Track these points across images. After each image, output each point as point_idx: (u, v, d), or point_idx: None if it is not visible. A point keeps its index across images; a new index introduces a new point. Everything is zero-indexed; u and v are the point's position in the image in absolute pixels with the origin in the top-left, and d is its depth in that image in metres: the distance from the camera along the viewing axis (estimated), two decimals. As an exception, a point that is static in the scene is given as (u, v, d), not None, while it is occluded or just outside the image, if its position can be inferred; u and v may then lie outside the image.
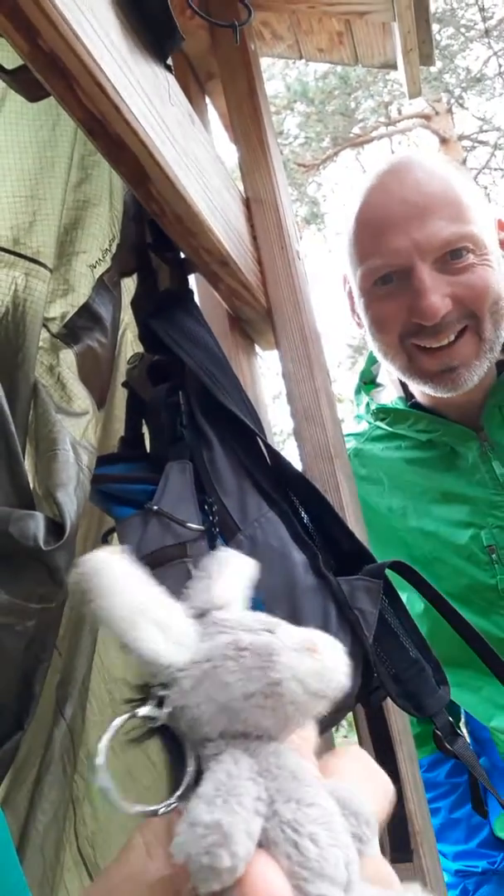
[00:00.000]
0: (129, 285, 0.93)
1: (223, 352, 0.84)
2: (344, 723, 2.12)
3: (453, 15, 9.44)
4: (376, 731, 0.80)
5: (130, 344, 0.97)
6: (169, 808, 0.28)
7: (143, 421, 0.85)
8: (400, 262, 1.00)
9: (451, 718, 0.79)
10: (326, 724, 0.70)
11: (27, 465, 0.65)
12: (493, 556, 1.08)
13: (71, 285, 0.77)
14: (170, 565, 0.66)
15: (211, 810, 0.23)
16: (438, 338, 1.00)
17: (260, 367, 1.10)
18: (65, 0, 0.52)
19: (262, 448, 0.78)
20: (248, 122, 1.10)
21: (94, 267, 0.80)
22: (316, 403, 0.94)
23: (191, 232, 0.81)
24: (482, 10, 9.16)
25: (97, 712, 0.94)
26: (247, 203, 1.05)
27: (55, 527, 0.58)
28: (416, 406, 1.17)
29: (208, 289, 0.97)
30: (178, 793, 0.28)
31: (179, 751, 0.29)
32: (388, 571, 0.74)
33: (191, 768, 0.28)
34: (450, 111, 9.60)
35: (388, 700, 0.73)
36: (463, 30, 9.50)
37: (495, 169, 10.32)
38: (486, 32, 9.14)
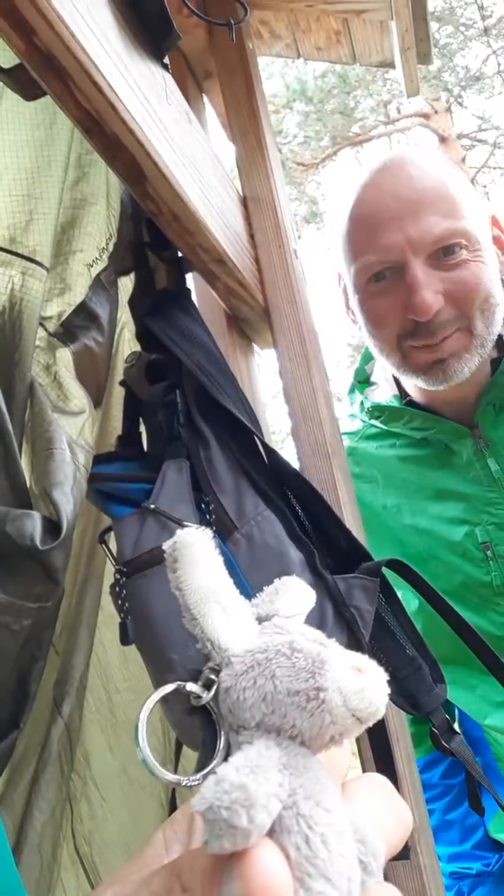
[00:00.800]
0: (126, 284, 0.93)
1: (220, 350, 0.84)
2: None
3: (452, 13, 9.44)
4: (373, 729, 0.80)
5: (128, 342, 0.97)
6: (192, 783, 0.28)
7: (141, 419, 0.85)
8: (393, 258, 1.00)
9: (447, 716, 0.79)
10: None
11: (24, 464, 0.65)
12: (488, 552, 1.08)
13: (68, 284, 0.77)
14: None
15: (240, 775, 0.23)
16: (434, 337, 1.00)
17: (258, 365, 1.10)
18: (61, -1, 0.52)
19: (260, 447, 0.78)
20: (245, 120, 1.10)
21: (92, 266, 0.80)
22: (314, 402, 0.94)
23: (188, 231, 0.81)
24: (481, 8, 9.16)
25: (95, 710, 0.95)
26: (244, 202, 1.05)
27: (52, 526, 0.58)
28: (411, 404, 1.17)
29: (206, 288, 0.97)
30: (206, 770, 0.29)
31: (213, 735, 0.30)
32: (384, 569, 0.74)
33: (221, 749, 0.29)
34: (449, 110, 9.60)
35: (385, 698, 0.74)
36: (462, 28, 9.50)
37: (494, 167, 10.33)
38: (485, 31, 9.14)
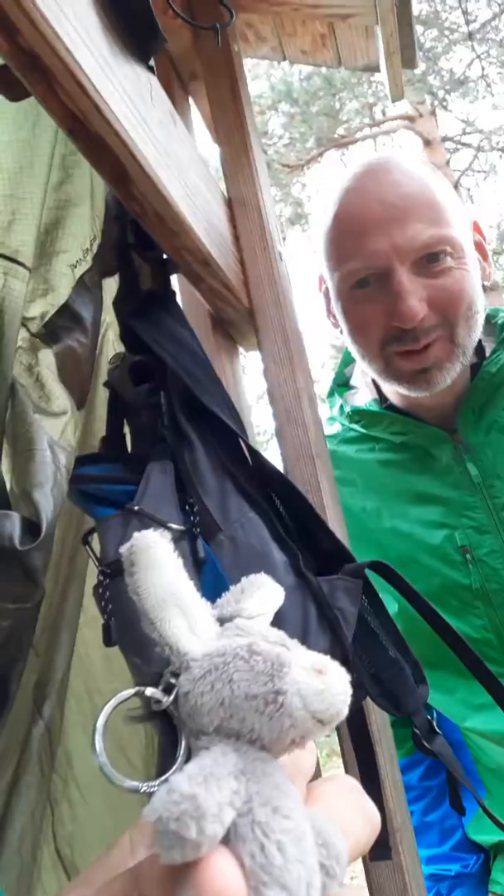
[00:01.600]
0: (111, 285, 0.92)
1: (205, 352, 0.84)
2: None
3: (437, 17, 9.50)
4: (356, 730, 0.80)
5: (112, 344, 0.97)
6: (150, 789, 0.28)
7: (125, 421, 0.85)
8: (379, 265, 1.00)
9: (429, 717, 0.79)
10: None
11: (3, 464, 0.65)
12: (467, 556, 1.08)
13: (51, 285, 0.77)
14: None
15: (191, 784, 0.23)
16: (418, 342, 1.00)
17: (242, 367, 1.10)
18: (45, -1, 0.51)
19: (244, 449, 0.78)
20: (230, 123, 1.10)
21: (75, 267, 0.80)
22: (298, 404, 0.94)
23: (172, 232, 0.81)
24: (466, 13, 9.23)
25: (76, 712, 0.94)
26: (229, 204, 1.05)
27: (31, 526, 0.58)
28: (391, 408, 1.18)
29: (190, 289, 0.96)
30: (164, 777, 0.28)
31: (174, 740, 0.30)
32: (367, 571, 0.75)
33: (181, 755, 0.29)
34: (433, 113, 9.65)
35: (368, 699, 0.74)
36: (447, 32, 9.56)
37: (478, 171, 10.41)
38: (470, 35, 9.21)
